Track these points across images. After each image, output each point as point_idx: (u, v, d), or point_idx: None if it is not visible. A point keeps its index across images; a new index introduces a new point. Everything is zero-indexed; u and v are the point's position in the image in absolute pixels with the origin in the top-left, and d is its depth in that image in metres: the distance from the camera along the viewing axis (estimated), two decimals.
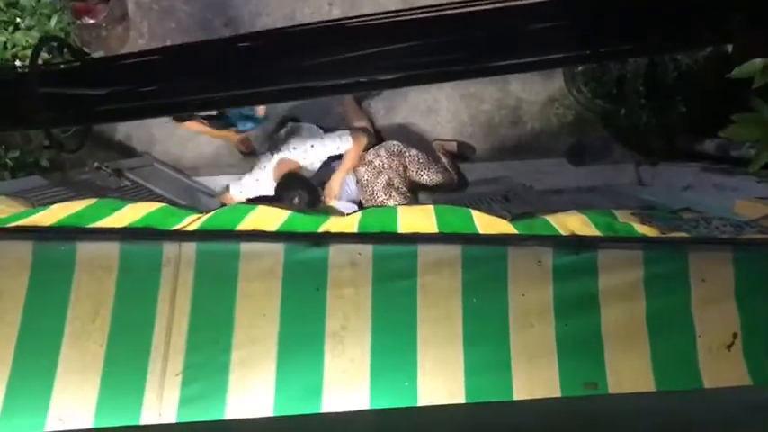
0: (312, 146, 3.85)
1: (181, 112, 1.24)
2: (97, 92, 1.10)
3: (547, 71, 4.52)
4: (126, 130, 4.44)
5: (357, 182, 3.93)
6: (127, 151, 4.41)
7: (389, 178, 3.89)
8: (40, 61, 1.13)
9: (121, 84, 1.11)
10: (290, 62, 1.07)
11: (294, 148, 3.82)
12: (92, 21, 4.00)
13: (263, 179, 3.84)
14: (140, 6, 4.32)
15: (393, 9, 1.23)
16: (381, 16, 1.19)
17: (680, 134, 4.13)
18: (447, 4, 1.18)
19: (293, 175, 3.77)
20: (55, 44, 1.60)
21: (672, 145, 4.22)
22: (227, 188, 3.98)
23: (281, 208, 1.89)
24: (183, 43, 1.11)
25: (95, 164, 3.58)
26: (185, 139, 4.42)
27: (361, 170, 3.92)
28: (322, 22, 1.12)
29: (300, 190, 3.59)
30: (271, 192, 3.76)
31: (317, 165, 3.93)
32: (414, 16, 1.24)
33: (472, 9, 1.17)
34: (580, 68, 4.12)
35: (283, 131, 4.00)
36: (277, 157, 3.82)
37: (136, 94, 1.10)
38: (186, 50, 1.09)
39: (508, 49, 1.31)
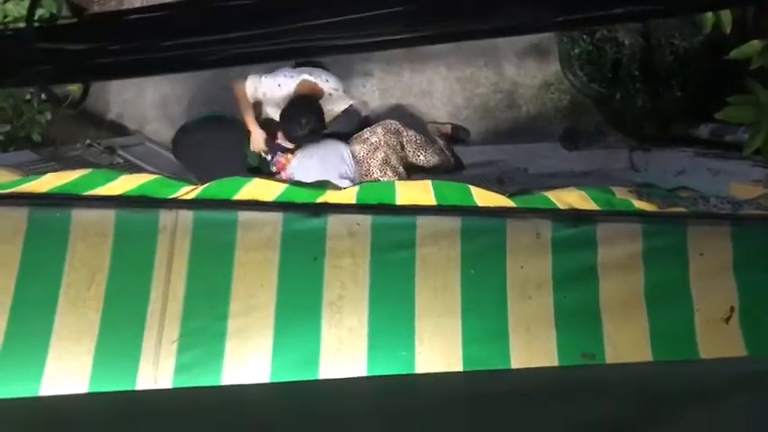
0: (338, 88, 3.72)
1: (185, 69, 1.22)
2: (97, 46, 1.08)
3: (543, 55, 4.52)
4: (118, 110, 4.41)
5: (353, 158, 3.89)
6: (119, 130, 4.37)
7: (386, 155, 3.85)
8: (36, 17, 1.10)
9: (123, 39, 1.08)
10: (307, 18, 1.06)
11: (323, 78, 3.66)
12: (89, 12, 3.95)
13: (284, 88, 3.63)
14: None
15: None
16: None
17: (674, 119, 4.13)
18: None
19: (311, 98, 3.57)
20: None
21: (666, 130, 4.23)
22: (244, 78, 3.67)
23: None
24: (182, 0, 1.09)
25: (87, 141, 3.55)
26: (179, 118, 4.39)
27: (357, 147, 3.86)
28: None
29: (312, 116, 3.41)
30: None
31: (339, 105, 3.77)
32: None
33: None
34: (576, 51, 4.11)
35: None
36: (304, 75, 3.62)
37: (138, 49, 1.08)
38: (192, 5, 1.07)
39: (487, 12, 1.28)
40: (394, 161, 3.85)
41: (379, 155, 3.81)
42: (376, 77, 4.45)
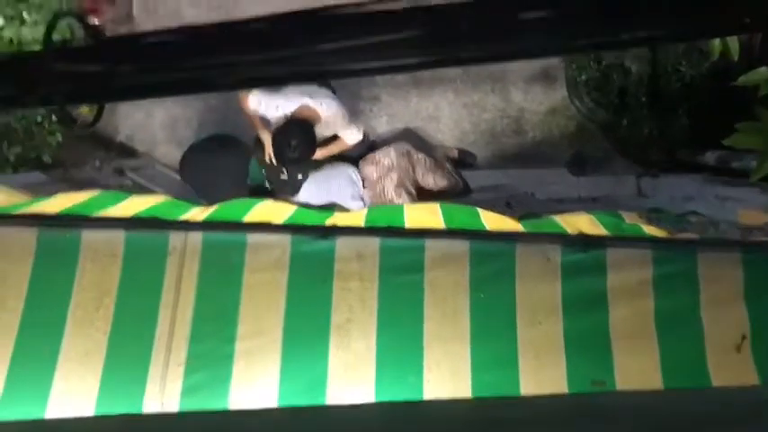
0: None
1: (199, 91, 1.23)
2: (113, 68, 1.09)
3: (550, 81, 4.54)
4: (128, 132, 4.43)
5: (363, 181, 3.89)
6: (128, 152, 4.39)
7: (400, 177, 3.86)
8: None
9: (139, 61, 1.09)
10: (319, 44, 1.06)
11: (324, 103, 3.63)
12: (97, 21, 4.00)
13: (281, 110, 3.60)
14: (146, 8, 4.33)
15: None
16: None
17: (681, 146, 4.14)
18: None
19: (306, 123, 3.55)
20: (71, 19, 1.60)
21: (673, 156, 4.23)
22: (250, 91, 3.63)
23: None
24: (206, 24, 1.10)
25: (97, 163, 3.57)
26: (187, 141, 4.41)
27: (370, 169, 3.86)
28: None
29: (303, 140, 3.38)
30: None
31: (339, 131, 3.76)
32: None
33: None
34: (583, 78, 4.13)
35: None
36: (305, 99, 3.60)
37: (153, 71, 1.09)
38: (210, 30, 1.08)
39: (495, 37, 1.28)
40: (407, 183, 3.86)
41: (394, 176, 3.81)
42: (383, 102, 4.47)
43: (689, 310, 1.72)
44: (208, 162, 3.47)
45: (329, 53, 1.24)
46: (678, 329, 1.70)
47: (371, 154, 3.86)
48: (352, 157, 3.94)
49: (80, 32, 1.12)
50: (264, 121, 3.62)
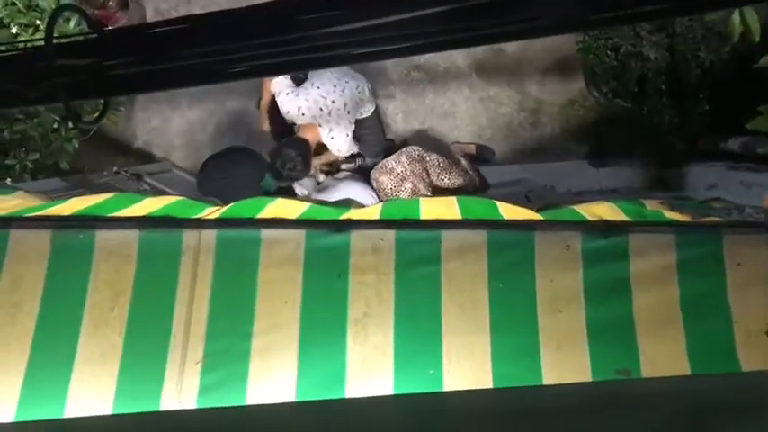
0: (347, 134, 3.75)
1: (205, 82, 1.22)
2: (116, 61, 1.08)
3: (566, 72, 4.49)
4: (145, 137, 4.46)
5: (378, 192, 3.87)
6: (146, 157, 4.42)
7: (414, 185, 3.83)
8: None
9: (142, 53, 1.08)
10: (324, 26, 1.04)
11: (332, 138, 3.68)
12: (110, 28, 4.03)
13: (292, 113, 3.67)
14: (159, 13, 4.35)
15: None
16: None
17: (703, 133, 4.06)
18: None
19: (305, 144, 3.59)
20: (71, 13, 1.59)
21: (695, 144, 4.15)
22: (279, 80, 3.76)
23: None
24: (204, 13, 1.08)
25: (115, 168, 3.58)
26: (204, 145, 4.43)
27: (384, 179, 3.84)
28: None
29: (298, 161, 3.43)
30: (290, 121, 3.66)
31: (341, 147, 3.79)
32: None
33: None
34: (601, 67, 4.07)
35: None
36: (319, 125, 3.65)
37: (157, 62, 1.07)
38: (211, 18, 1.06)
39: (515, 12, 1.26)
40: (422, 189, 3.82)
41: (407, 186, 3.79)
42: (398, 99, 4.45)
43: (715, 294, 1.66)
44: (224, 177, 3.50)
45: (338, 35, 1.22)
46: (705, 314, 1.64)
47: (383, 162, 3.84)
48: (366, 169, 3.95)
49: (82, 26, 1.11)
50: (274, 117, 3.66)
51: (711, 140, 4.03)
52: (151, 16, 4.37)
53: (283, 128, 3.80)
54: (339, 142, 3.69)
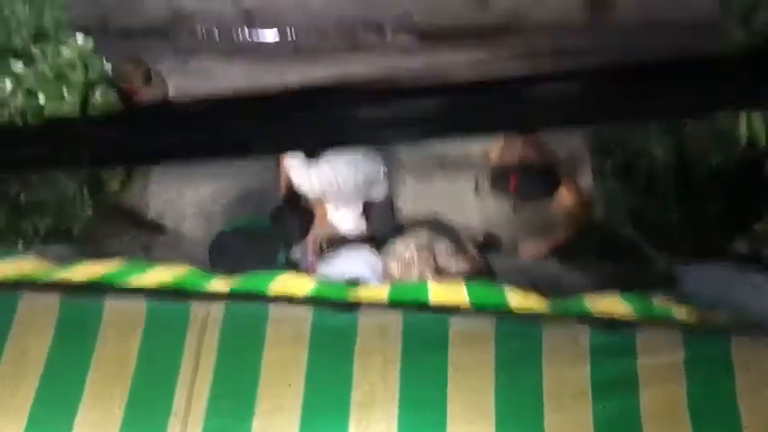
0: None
1: (231, 157, 1.25)
2: (145, 135, 1.12)
3: (575, 168, 4.56)
4: (158, 209, 4.52)
5: (384, 276, 3.87)
6: (157, 228, 4.46)
7: (421, 271, 3.84)
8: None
9: (170, 127, 1.12)
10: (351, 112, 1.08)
11: (337, 208, 3.73)
12: (134, 101, 4.16)
13: (302, 185, 3.71)
14: (181, 90, 4.49)
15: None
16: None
17: (712, 234, 4.08)
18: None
19: (308, 214, 3.62)
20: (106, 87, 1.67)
21: (703, 245, 4.16)
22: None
23: None
24: (238, 94, 1.13)
25: (126, 238, 3.62)
26: (217, 219, 4.47)
27: (392, 264, 3.85)
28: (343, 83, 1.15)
29: (297, 229, 3.47)
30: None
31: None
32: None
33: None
34: (609, 164, 4.14)
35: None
36: (319, 193, 3.69)
37: (183, 136, 1.11)
38: (237, 98, 1.11)
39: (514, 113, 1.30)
40: (429, 275, 3.83)
41: (414, 272, 3.79)
42: (409, 184, 4.52)
43: (724, 396, 1.63)
44: (239, 253, 3.54)
45: (360, 121, 1.26)
46: (713, 417, 1.61)
47: (392, 246, 3.86)
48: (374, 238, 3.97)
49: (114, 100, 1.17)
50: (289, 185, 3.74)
51: (721, 241, 4.04)
52: (173, 93, 4.51)
53: (296, 196, 3.86)
54: (344, 220, 3.73)
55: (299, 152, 3.29)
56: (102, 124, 1.16)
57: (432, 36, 4.92)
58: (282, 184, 3.92)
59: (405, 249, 3.86)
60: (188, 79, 4.65)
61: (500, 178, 3.38)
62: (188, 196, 4.54)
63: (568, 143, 4.42)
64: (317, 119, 1.23)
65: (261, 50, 4.93)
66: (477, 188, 4.16)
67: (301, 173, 3.68)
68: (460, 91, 1.35)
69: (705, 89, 1.32)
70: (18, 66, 2.98)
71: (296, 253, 3.89)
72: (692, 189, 3.87)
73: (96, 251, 3.28)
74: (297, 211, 3.50)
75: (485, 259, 4.16)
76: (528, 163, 3.42)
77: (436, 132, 1.44)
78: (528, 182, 3.36)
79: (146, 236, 4.07)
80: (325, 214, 3.68)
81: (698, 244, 4.18)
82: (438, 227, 4.34)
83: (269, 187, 4.27)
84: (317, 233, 3.84)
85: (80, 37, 3.24)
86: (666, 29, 4.73)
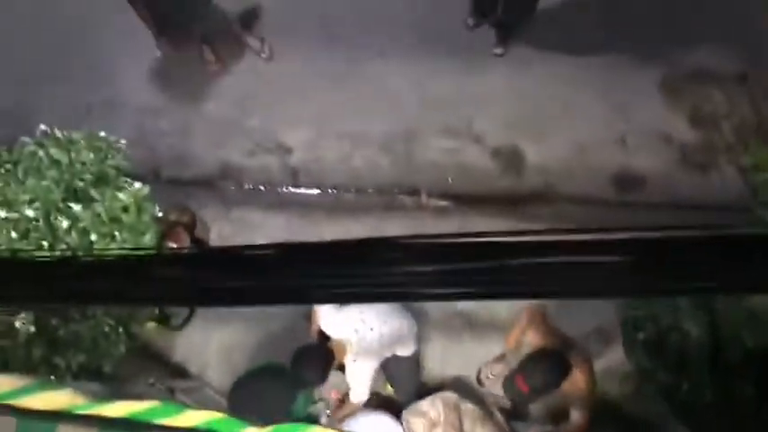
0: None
1: (291, 302, 1.31)
2: (214, 277, 1.19)
3: (605, 340, 4.54)
4: (184, 353, 4.53)
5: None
6: (181, 373, 4.45)
7: None
8: None
9: (237, 271, 1.20)
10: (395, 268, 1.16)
11: (356, 357, 3.68)
12: (174, 245, 4.32)
13: (328, 327, 3.70)
14: (222, 237, 4.67)
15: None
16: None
17: (747, 416, 3.94)
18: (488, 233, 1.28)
19: (327, 352, 3.57)
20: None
21: (738, 427, 4.01)
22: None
23: None
24: (305, 242, 1.22)
25: (151, 380, 3.62)
26: (240, 367, 4.46)
27: (416, 421, 3.75)
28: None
29: (318, 373, 3.42)
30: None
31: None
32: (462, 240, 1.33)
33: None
34: (641, 337, 4.11)
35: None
36: (343, 338, 3.67)
37: (248, 280, 1.18)
38: (307, 248, 1.19)
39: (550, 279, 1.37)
40: None
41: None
42: (437, 343, 4.51)
43: None
44: (255, 398, 3.52)
45: (409, 277, 1.33)
46: None
47: (418, 403, 3.80)
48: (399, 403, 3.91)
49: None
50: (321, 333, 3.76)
51: (756, 424, 3.90)
52: (214, 239, 4.68)
53: (322, 339, 3.87)
54: (359, 371, 3.69)
55: (347, 302, 3.35)
56: (173, 264, 1.24)
57: (466, 201, 5.12)
58: (314, 326, 3.94)
59: (431, 408, 3.77)
60: (230, 227, 4.84)
61: (509, 385, 3.39)
62: (215, 340, 4.57)
63: (598, 314, 4.43)
64: (374, 271, 1.30)
65: (301, 205, 5.15)
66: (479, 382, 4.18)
67: (328, 313, 3.72)
68: (497, 254, 1.43)
69: (736, 268, 1.38)
70: (77, 207, 3.16)
71: (315, 396, 3.84)
72: (726, 369, 3.80)
73: (124, 390, 3.27)
74: (319, 353, 3.49)
75: (510, 427, 4.05)
76: (537, 354, 3.44)
77: (477, 292, 1.51)
78: (538, 377, 3.34)
79: (170, 379, 4.06)
80: (343, 359, 3.65)
81: (733, 426, 4.03)
82: (465, 389, 4.27)
83: (294, 330, 4.29)
84: (339, 388, 3.80)
85: (137, 183, 3.45)
86: (695, 209, 4.90)
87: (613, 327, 4.40)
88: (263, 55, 5.58)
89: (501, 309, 4.57)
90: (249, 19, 5.68)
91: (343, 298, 1.58)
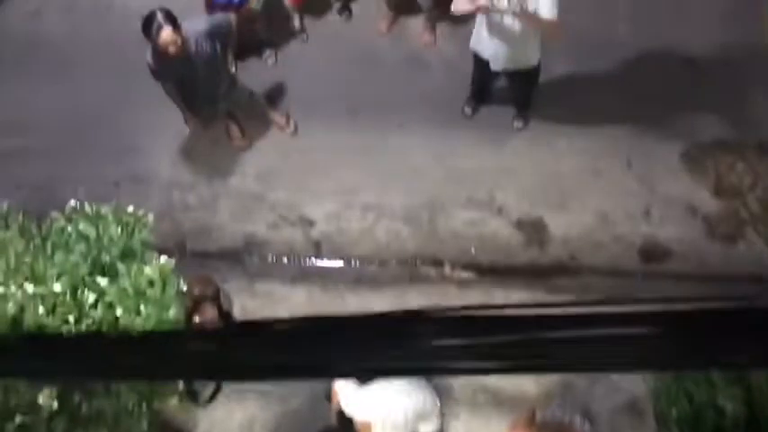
0: None
1: (319, 377, 1.29)
2: (244, 352, 1.19)
3: (638, 415, 4.40)
4: (206, 428, 4.47)
5: None
6: None
7: None
8: None
9: (264, 346, 1.19)
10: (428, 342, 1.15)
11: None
12: (200, 319, 4.31)
13: (350, 406, 3.59)
14: (246, 310, 4.66)
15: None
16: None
17: None
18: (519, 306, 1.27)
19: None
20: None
21: None
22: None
23: None
24: (333, 315, 1.22)
25: None
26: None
27: None
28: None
29: None
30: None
31: None
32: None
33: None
34: (674, 414, 3.98)
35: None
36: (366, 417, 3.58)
37: (275, 355, 1.18)
38: (335, 321, 1.19)
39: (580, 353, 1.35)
40: None
41: None
42: (462, 420, 4.41)
43: None
44: None
45: (429, 350, 1.31)
46: None
47: None
48: None
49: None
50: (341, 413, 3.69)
51: None
52: (237, 312, 4.68)
53: (345, 419, 3.80)
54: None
55: (377, 376, 3.31)
56: (202, 339, 1.24)
57: (489, 272, 5.09)
58: (334, 406, 3.88)
59: None
60: (253, 300, 4.84)
61: None
62: (237, 417, 4.50)
63: (630, 388, 4.30)
64: (401, 344, 1.29)
65: (324, 277, 5.15)
66: None
67: (350, 394, 3.65)
68: (526, 327, 1.41)
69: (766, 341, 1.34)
70: (104, 281, 3.18)
71: None
72: None
73: None
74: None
75: None
76: None
77: (505, 367, 1.48)
78: None
79: None
80: None
81: None
82: None
83: (314, 408, 4.22)
84: None
85: (163, 258, 3.47)
86: (723, 281, 4.81)
87: (645, 401, 4.26)
88: (288, 130, 5.70)
89: (528, 384, 4.46)
90: (274, 95, 5.83)
91: (371, 373, 1.56)
